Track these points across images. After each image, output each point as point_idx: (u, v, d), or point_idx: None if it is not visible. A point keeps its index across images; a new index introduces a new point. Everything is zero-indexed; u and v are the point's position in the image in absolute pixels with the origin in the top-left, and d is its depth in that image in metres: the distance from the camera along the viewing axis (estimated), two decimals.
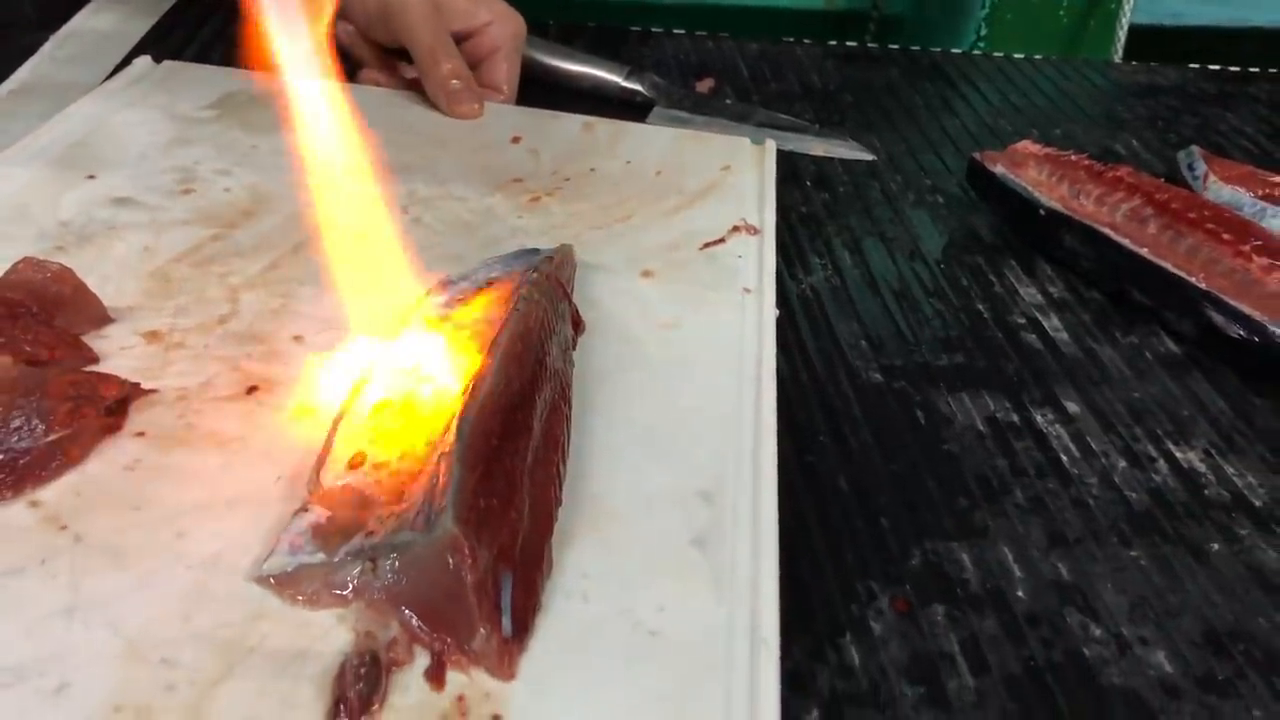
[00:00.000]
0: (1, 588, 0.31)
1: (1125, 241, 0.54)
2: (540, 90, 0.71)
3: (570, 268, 0.47)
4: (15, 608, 0.30)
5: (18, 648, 0.29)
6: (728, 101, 0.72)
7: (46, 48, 0.72)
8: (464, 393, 0.35)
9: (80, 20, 0.75)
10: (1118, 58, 1.10)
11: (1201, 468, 0.45)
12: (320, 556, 0.32)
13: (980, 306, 0.55)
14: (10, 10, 0.74)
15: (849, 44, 0.87)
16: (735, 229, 0.53)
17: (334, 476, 0.34)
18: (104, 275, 0.44)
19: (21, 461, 0.34)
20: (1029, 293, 0.56)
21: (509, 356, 0.36)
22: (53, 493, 0.34)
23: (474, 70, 0.66)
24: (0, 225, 0.47)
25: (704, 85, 0.76)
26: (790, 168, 0.66)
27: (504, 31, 0.66)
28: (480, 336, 0.39)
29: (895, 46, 0.88)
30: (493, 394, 0.34)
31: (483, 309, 0.40)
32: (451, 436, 0.33)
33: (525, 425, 0.35)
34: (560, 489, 0.35)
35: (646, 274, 0.49)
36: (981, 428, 0.46)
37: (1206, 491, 0.44)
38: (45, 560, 0.32)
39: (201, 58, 0.72)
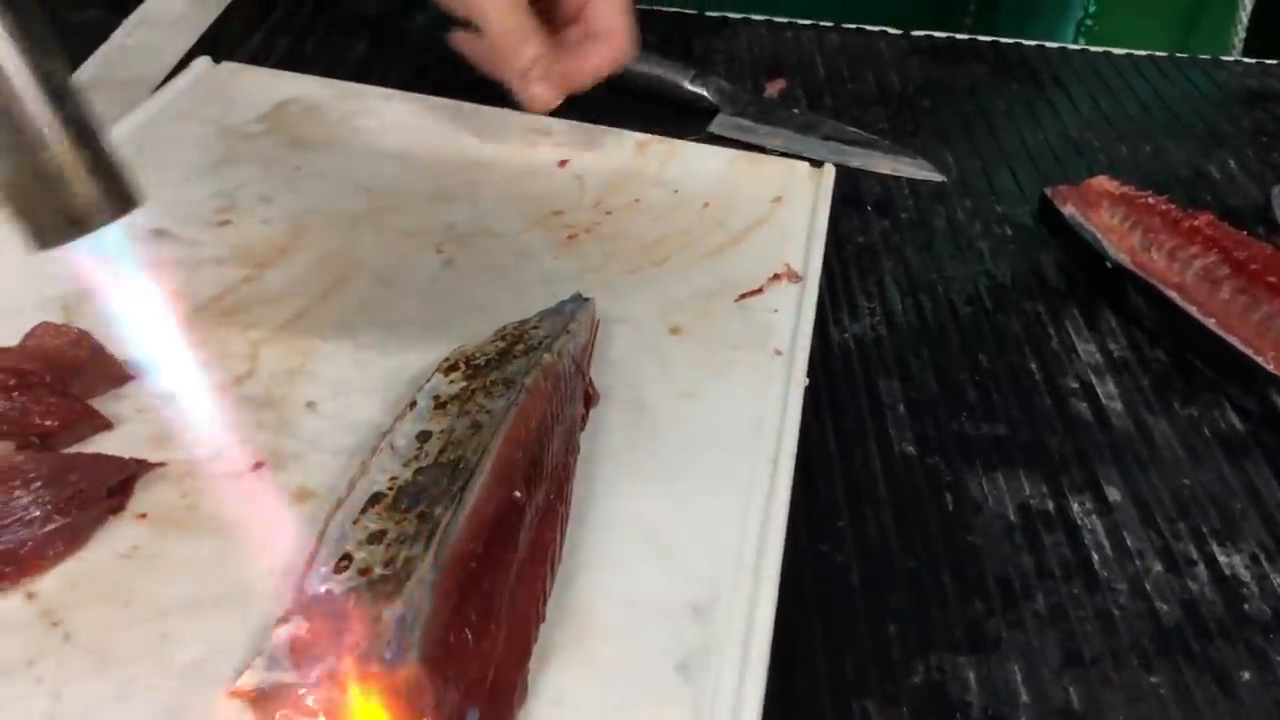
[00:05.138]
0: None
1: (1192, 309, 0.50)
2: (604, 90, 0.69)
3: (591, 330, 0.46)
4: None
5: None
6: (795, 110, 0.69)
7: (115, 38, 0.72)
8: (449, 503, 0.35)
9: (148, 7, 0.75)
10: (1239, 39, 1.03)
11: (1245, 575, 0.43)
12: (293, 675, 0.32)
13: (1032, 365, 0.52)
14: None
15: (936, 35, 0.83)
16: (775, 277, 0.52)
17: (319, 580, 0.34)
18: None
19: (21, 551, 0.34)
20: (1087, 350, 0.53)
21: (501, 463, 0.36)
22: (51, 582, 0.35)
23: (578, 20, 0.59)
24: (40, 262, 0.48)
25: (774, 87, 0.73)
26: (852, 187, 0.64)
27: None
28: (481, 429, 0.38)
29: (987, 39, 0.83)
30: (477, 509, 0.34)
31: (488, 394, 0.40)
32: (429, 558, 0.33)
33: (511, 539, 0.34)
34: (544, 605, 0.35)
35: (674, 330, 0.48)
36: (1012, 517, 0.44)
37: (1246, 606, 0.41)
38: (33, 662, 0.32)
39: (266, 48, 0.72)
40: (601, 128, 0.63)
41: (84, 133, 0.28)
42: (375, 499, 0.37)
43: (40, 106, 0.27)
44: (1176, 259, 0.53)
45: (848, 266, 0.58)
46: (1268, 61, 0.84)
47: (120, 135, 0.57)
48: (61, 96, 0.27)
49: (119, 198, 0.29)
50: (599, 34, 0.58)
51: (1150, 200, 0.56)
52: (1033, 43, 0.83)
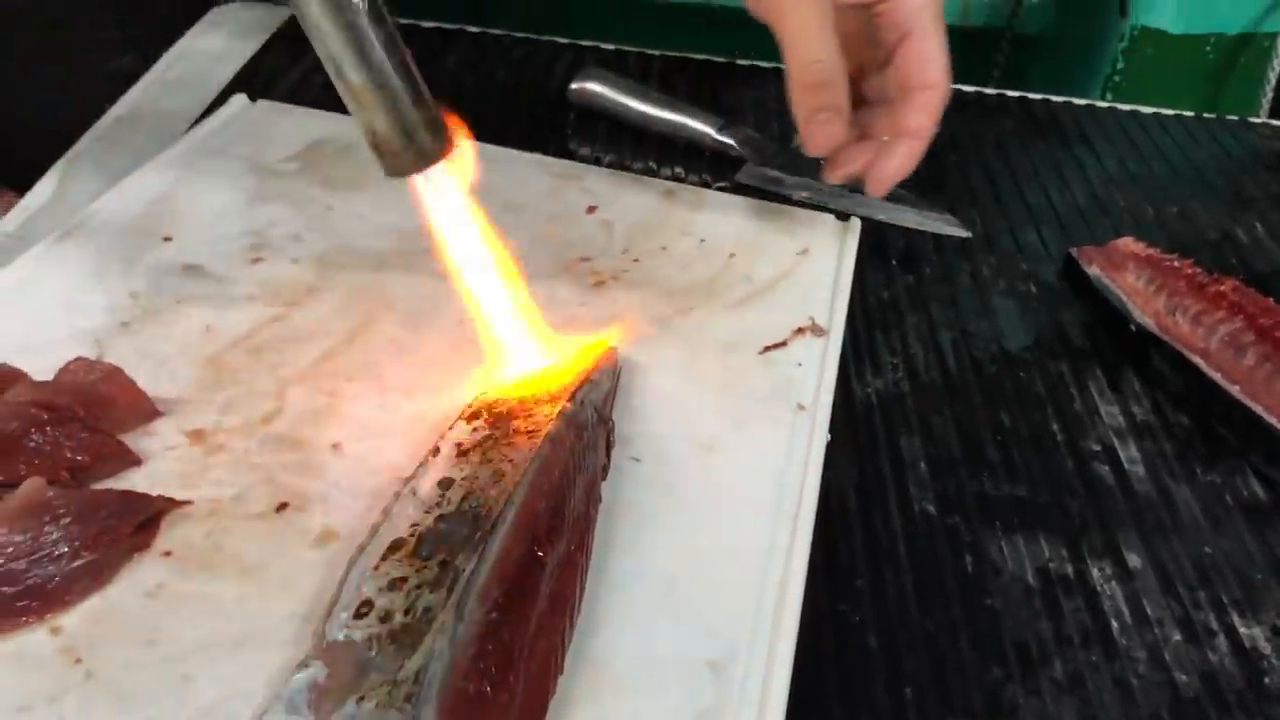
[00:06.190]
0: None
1: (1216, 375, 0.50)
2: (633, 138, 0.70)
3: (614, 379, 0.46)
4: None
5: None
6: (823, 161, 0.70)
7: (155, 71, 0.73)
8: (471, 552, 0.35)
9: (189, 41, 0.77)
10: (1267, 100, 1.03)
11: (1266, 648, 0.42)
12: None
13: (1055, 426, 0.52)
14: (95, 35, 0.76)
15: (964, 89, 0.83)
16: (799, 330, 0.52)
17: (340, 626, 0.34)
18: (161, 359, 0.46)
19: (47, 587, 0.35)
20: (1110, 412, 0.53)
21: (524, 513, 0.36)
22: (75, 618, 0.35)
23: (886, 61, 0.55)
24: (75, 294, 0.49)
25: None
26: (877, 240, 0.64)
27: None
28: (503, 478, 0.38)
29: (1014, 94, 0.84)
30: (499, 560, 0.34)
31: (512, 443, 0.40)
32: (451, 608, 0.33)
33: (532, 590, 0.35)
34: (563, 657, 0.35)
35: (697, 381, 0.48)
36: (1031, 580, 0.44)
37: (1266, 680, 0.41)
38: (54, 699, 0.33)
39: (302, 85, 0.73)
40: (630, 175, 0.64)
41: (422, 99, 0.40)
42: (396, 545, 0.37)
43: (400, 81, 0.39)
44: (1201, 324, 0.53)
45: (871, 321, 0.58)
46: None
47: (156, 169, 0.58)
48: (410, 74, 0.40)
49: (446, 141, 0.42)
50: (913, 91, 0.53)
51: (1176, 263, 0.57)
52: (1060, 99, 0.83)
